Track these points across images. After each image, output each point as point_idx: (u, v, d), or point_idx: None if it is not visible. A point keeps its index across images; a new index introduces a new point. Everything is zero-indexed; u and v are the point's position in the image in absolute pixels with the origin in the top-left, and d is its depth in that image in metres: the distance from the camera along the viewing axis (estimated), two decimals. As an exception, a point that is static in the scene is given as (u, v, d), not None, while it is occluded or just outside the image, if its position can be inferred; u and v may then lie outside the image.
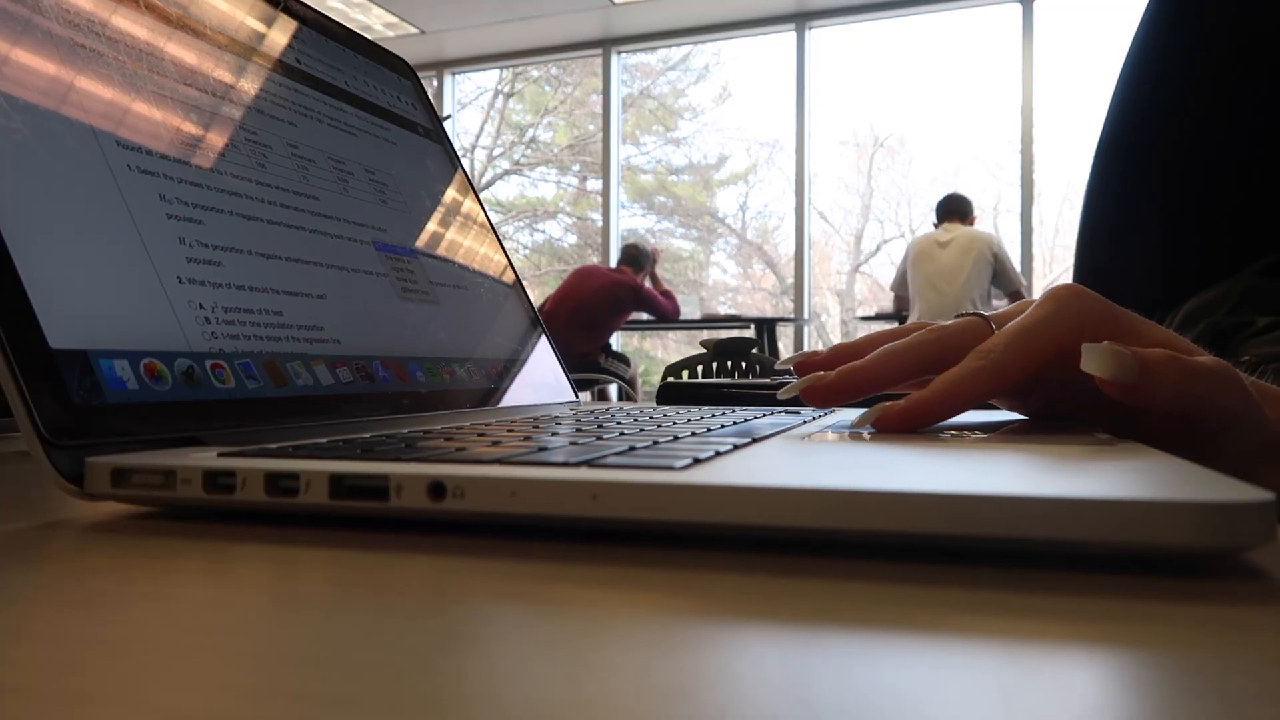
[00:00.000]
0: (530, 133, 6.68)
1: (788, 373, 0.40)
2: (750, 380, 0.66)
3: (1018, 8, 4.68)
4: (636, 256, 3.97)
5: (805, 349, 0.41)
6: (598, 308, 3.76)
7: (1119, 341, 0.33)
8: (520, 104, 6.73)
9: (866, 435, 0.32)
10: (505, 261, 0.58)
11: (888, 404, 0.33)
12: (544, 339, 0.57)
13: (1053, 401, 0.39)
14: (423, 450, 0.25)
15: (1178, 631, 0.15)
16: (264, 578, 0.18)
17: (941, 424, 0.37)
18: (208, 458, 0.24)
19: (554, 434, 0.31)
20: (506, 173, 6.77)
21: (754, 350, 2.59)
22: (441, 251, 0.50)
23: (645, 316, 4.13)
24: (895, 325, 0.39)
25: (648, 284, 4.00)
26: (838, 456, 0.26)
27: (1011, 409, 0.42)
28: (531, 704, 0.12)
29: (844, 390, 0.36)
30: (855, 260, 6.43)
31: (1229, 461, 0.31)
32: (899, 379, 0.36)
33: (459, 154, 0.58)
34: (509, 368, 0.52)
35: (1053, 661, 0.13)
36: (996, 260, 3.64)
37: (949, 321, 0.37)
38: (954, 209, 3.78)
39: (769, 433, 0.32)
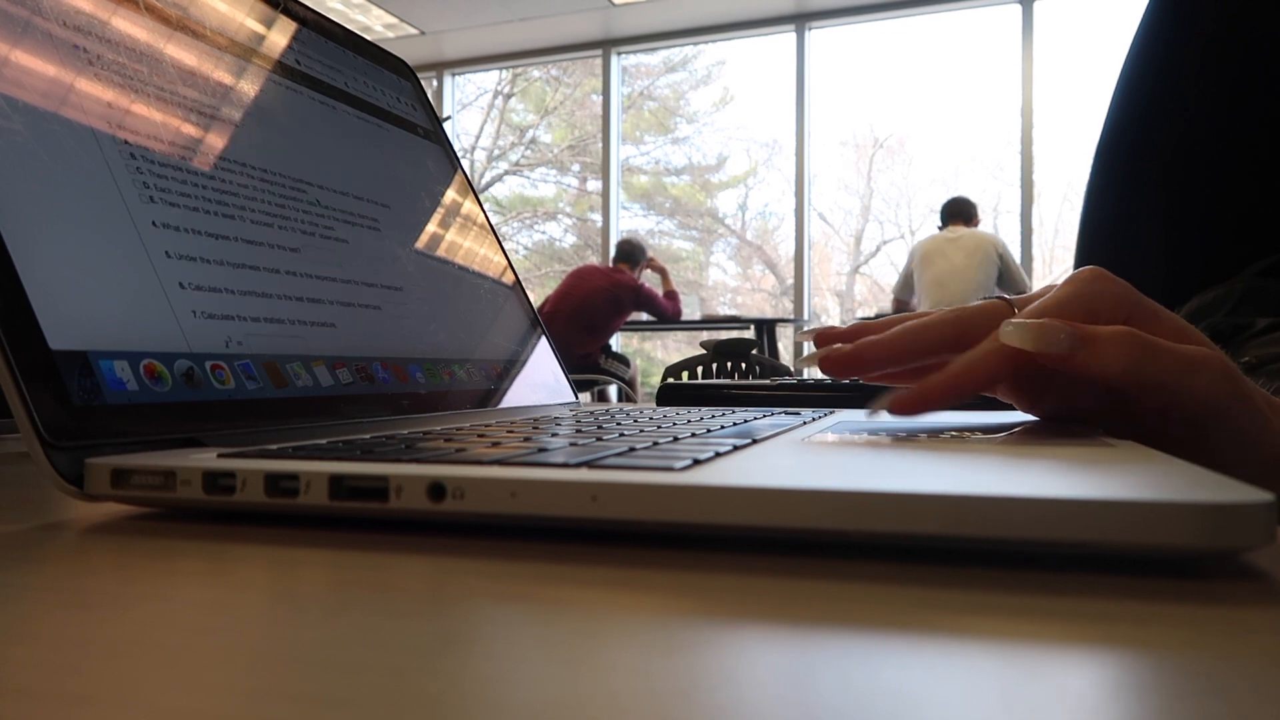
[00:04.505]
0: (530, 133, 6.68)
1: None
2: (750, 381, 0.66)
3: (1018, 8, 4.69)
4: (631, 252, 3.97)
5: (806, 350, 0.41)
6: (597, 308, 3.76)
7: (1136, 326, 0.32)
8: (520, 104, 6.73)
9: (878, 430, 0.32)
10: (505, 262, 0.58)
11: (900, 388, 0.33)
12: (544, 340, 0.57)
13: (1064, 398, 0.38)
14: (422, 451, 0.25)
15: (1178, 632, 0.15)
16: (264, 578, 0.18)
17: (942, 425, 0.37)
18: (207, 459, 0.24)
19: (554, 435, 0.31)
20: (506, 173, 6.77)
21: (754, 351, 2.59)
22: (441, 252, 0.50)
23: (645, 317, 4.13)
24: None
25: (648, 284, 4.00)
26: (837, 457, 0.26)
27: (1023, 409, 0.42)
28: (531, 705, 0.12)
29: (860, 362, 0.36)
30: (855, 261, 6.42)
31: (1234, 477, 0.31)
32: (917, 356, 0.36)
33: (459, 155, 0.58)
34: (509, 369, 0.52)
35: (1053, 662, 0.13)
36: (1002, 261, 3.65)
37: (973, 303, 0.37)
38: (959, 212, 3.79)
39: (769, 434, 0.32)
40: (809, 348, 0.38)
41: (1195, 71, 0.70)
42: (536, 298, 4.68)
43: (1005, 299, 0.36)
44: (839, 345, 0.36)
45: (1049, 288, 0.35)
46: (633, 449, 0.26)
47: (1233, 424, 0.32)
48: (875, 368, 0.36)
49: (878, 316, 4.30)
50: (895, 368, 0.36)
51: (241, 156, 0.37)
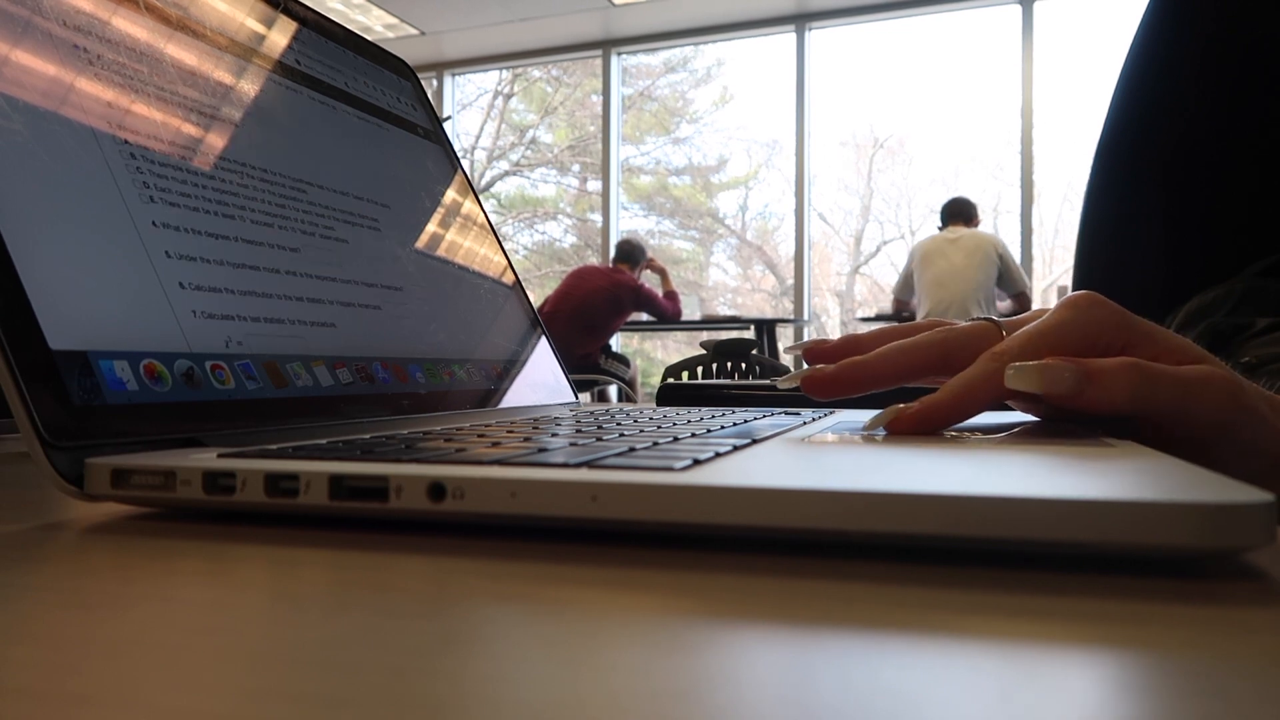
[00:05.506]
0: (530, 133, 6.68)
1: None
2: (750, 381, 0.66)
3: (1018, 8, 4.69)
4: (631, 252, 3.96)
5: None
6: (597, 308, 3.76)
7: (1135, 351, 0.32)
8: (521, 104, 6.73)
9: (878, 437, 0.32)
10: (505, 262, 0.58)
11: (901, 406, 0.33)
12: (544, 340, 0.57)
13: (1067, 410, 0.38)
14: (422, 451, 0.25)
15: (1178, 632, 0.15)
16: (264, 578, 0.18)
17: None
18: (207, 459, 0.24)
19: (554, 435, 0.31)
20: (506, 173, 6.77)
21: (754, 351, 2.59)
22: (441, 253, 0.50)
23: (645, 317, 4.13)
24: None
25: (647, 284, 4.00)
26: (837, 458, 0.26)
27: (1022, 409, 0.42)
28: (531, 705, 0.12)
29: (844, 384, 0.35)
30: (855, 261, 6.42)
31: (1238, 478, 0.31)
32: (902, 378, 0.36)
33: (459, 155, 0.58)
34: (509, 369, 0.52)
35: (1053, 662, 0.13)
36: (1002, 261, 3.65)
37: (961, 324, 0.36)
38: (959, 212, 3.78)
39: (769, 434, 0.32)
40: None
41: (1195, 71, 0.70)
42: (536, 298, 4.68)
43: (993, 321, 0.36)
44: (821, 366, 0.36)
45: (1040, 311, 0.35)
46: (633, 449, 0.26)
47: (1237, 436, 0.32)
48: (859, 390, 0.36)
49: (877, 318, 4.27)
50: (879, 390, 0.36)
51: (241, 156, 0.37)
